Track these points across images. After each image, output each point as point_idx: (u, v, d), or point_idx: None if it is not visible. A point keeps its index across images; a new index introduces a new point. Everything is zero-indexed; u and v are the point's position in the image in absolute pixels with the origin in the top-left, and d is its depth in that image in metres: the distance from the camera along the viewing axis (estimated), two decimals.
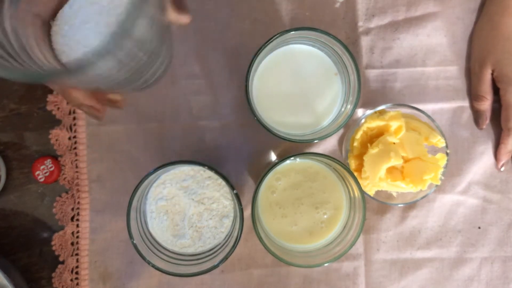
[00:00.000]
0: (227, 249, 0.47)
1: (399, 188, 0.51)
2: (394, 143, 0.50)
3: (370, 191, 0.51)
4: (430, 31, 0.56)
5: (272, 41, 0.47)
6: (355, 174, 0.49)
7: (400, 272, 0.56)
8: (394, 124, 0.50)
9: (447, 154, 0.52)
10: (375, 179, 0.50)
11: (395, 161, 0.49)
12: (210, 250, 0.51)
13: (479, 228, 0.56)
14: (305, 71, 0.52)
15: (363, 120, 0.51)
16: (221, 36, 0.55)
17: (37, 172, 0.54)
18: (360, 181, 0.49)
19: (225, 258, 0.47)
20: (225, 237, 0.51)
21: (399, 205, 0.55)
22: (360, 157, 0.51)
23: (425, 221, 0.56)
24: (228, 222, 0.51)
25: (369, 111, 0.53)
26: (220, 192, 0.51)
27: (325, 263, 0.47)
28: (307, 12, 0.55)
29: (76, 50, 0.35)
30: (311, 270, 0.55)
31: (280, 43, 0.51)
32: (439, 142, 0.51)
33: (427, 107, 0.55)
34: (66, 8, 0.36)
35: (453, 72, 0.56)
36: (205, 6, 0.55)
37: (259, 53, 0.47)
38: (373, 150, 0.49)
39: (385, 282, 0.55)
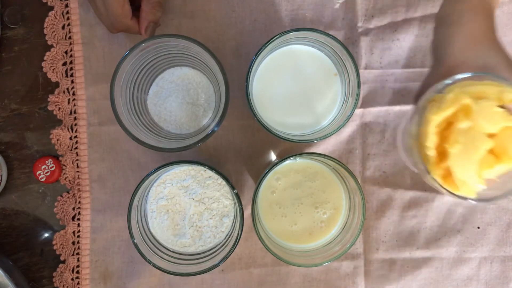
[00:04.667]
0: (227, 249, 0.47)
1: (498, 171, 0.41)
2: (471, 128, 0.39)
3: (472, 194, 0.40)
4: (429, 32, 0.56)
5: (272, 42, 0.47)
6: (448, 184, 0.40)
7: (399, 272, 0.56)
8: (460, 106, 0.40)
9: None
10: (475, 179, 0.39)
11: (486, 146, 0.39)
12: (211, 249, 0.52)
13: (478, 228, 0.56)
14: (305, 71, 0.52)
15: (423, 117, 0.40)
16: (221, 36, 0.55)
17: (38, 172, 0.54)
18: (458, 192, 0.40)
19: (225, 257, 0.47)
20: (225, 237, 0.51)
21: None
22: (442, 164, 0.40)
23: (424, 221, 0.56)
24: (228, 222, 0.52)
25: (420, 104, 0.41)
26: (220, 191, 0.51)
27: (325, 263, 0.47)
28: (307, 13, 0.56)
29: (164, 114, 0.53)
30: (311, 270, 0.56)
31: (280, 44, 0.51)
32: None
33: None
34: (153, 86, 0.53)
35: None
36: (205, 6, 0.55)
37: (259, 54, 0.47)
38: (454, 150, 0.39)
39: (385, 281, 0.56)
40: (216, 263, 0.47)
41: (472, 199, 0.40)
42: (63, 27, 0.55)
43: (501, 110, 0.39)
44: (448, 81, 0.40)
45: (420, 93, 0.44)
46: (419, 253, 0.56)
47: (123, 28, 0.50)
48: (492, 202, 0.42)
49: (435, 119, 0.39)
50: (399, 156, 0.55)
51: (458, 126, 0.39)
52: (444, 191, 0.40)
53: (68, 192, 0.56)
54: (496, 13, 0.55)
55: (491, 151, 0.40)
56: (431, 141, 0.40)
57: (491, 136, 0.39)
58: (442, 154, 0.40)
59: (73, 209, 0.55)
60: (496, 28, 0.45)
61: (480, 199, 0.41)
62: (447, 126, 0.40)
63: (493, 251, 0.56)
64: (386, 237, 0.56)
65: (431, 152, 0.40)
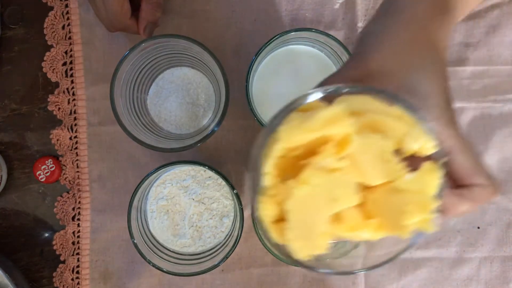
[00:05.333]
0: (227, 249, 0.47)
1: (363, 237, 0.29)
2: (339, 169, 0.27)
3: (305, 255, 0.28)
4: None
5: (272, 42, 0.47)
6: (277, 232, 0.28)
7: (399, 272, 0.56)
8: (335, 133, 0.26)
9: (441, 165, 0.28)
10: (313, 238, 0.27)
11: (345, 203, 0.27)
12: (210, 249, 0.52)
13: (478, 228, 0.56)
14: (305, 71, 0.52)
15: (274, 131, 0.27)
16: (221, 36, 0.55)
17: (38, 172, 0.54)
18: (286, 243, 0.27)
19: (225, 257, 0.47)
20: (225, 237, 0.51)
21: (362, 272, 0.33)
22: (277, 205, 0.27)
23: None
24: (228, 222, 0.52)
25: (282, 113, 0.27)
26: (220, 192, 0.51)
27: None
28: (307, 13, 0.56)
29: (164, 114, 0.53)
30: None
31: (280, 44, 0.51)
32: (426, 146, 0.27)
33: None
34: (153, 86, 0.53)
35: (452, 73, 0.56)
36: (205, 6, 0.55)
37: (259, 54, 0.47)
38: (300, 191, 0.26)
39: (384, 281, 0.56)
40: (216, 263, 0.47)
41: (303, 265, 0.28)
42: (63, 27, 0.55)
43: (396, 161, 0.27)
44: (345, 88, 0.27)
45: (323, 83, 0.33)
46: (419, 253, 0.56)
47: (122, 28, 0.50)
48: (339, 274, 0.30)
49: (286, 141, 0.26)
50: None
51: (319, 161, 0.26)
52: (268, 241, 0.28)
53: (68, 192, 0.56)
54: (496, 14, 0.56)
55: (363, 206, 0.28)
56: (271, 166, 0.27)
57: (365, 188, 0.28)
58: (284, 191, 0.27)
59: (73, 209, 0.55)
60: (448, 47, 0.34)
61: (313, 268, 0.29)
62: (308, 154, 0.27)
63: (493, 251, 0.56)
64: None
65: (266, 182, 0.27)
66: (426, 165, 0.27)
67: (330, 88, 0.27)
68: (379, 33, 0.33)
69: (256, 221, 0.28)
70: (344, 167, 0.27)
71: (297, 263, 0.28)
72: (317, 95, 0.27)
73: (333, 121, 0.26)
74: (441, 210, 0.28)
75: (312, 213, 0.27)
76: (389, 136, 0.27)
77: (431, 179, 0.27)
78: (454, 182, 0.30)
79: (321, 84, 0.32)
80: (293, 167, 0.27)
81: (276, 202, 0.27)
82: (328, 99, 0.27)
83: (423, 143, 0.27)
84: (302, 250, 0.27)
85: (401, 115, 0.27)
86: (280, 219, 0.27)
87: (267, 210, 0.27)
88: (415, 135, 0.27)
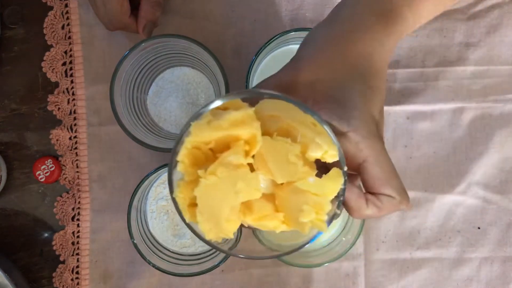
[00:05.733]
0: None
1: (269, 227, 0.32)
2: (246, 164, 0.30)
3: (214, 237, 0.31)
4: (430, 31, 0.56)
5: (272, 42, 0.47)
6: (190, 215, 0.31)
7: (399, 272, 0.56)
8: (243, 133, 0.30)
9: (344, 173, 0.30)
10: (219, 223, 0.30)
11: (247, 196, 0.30)
12: (210, 250, 0.51)
13: (479, 228, 0.56)
14: None
15: (189, 126, 0.30)
16: (221, 36, 0.55)
17: (38, 172, 0.54)
18: (198, 226, 0.31)
19: (225, 258, 0.47)
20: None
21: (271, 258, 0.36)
22: (190, 191, 0.31)
23: (425, 221, 0.56)
24: None
25: (203, 109, 0.30)
26: None
27: (325, 263, 0.47)
28: (307, 12, 0.56)
29: (164, 114, 0.53)
30: (311, 270, 0.56)
31: (280, 44, 0.51)
32: (328, 154, 0.30)
33: (426, 108, 0.56)
34: (153, 86, 0.53)
35: (453, 73, 0.56)
36: (205, 6, 0.55)
37: (259, 54, 0.47)
38: (207, 180, 0.29)
39: (385, 282, 0.55)
40: (216, 263, 0.47)
41: (213, 246, 0.32)
42: (62, 27, 0.55)
43: (299, 161, 0.30)
44: (266, 94, 0.30)
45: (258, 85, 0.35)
46: (420, 254, 0.56)
47: (121, 26, 0.49)
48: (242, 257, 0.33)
49: (196, 136, 0.29)
50: None
51: (227, 157, 0.29)
52: (183, 220, 0.31)
53: (67, 192, 0.55)
54: (497, 14, 0.56)
55: (274, 199, 0.32)
56: (183, 155, 0.30)
57: (276, 185, 0.31)
58: (194, 179, 0.30)
59: (73, 209, 0.55)
60: (388, 58, 0.34)
61: (222, 250, 0.34)
62: (223, 147, 0.30)
63: (494, 252, 0.56)
64: (386, 237, 0.56)
65: (180, 169, 0.30)
66: (332, 172, 0.30)
67: (252, 91, 0.31)
68: (317, 41, 0.34)
69: (173, 203, 0.31)
70: (249, 164, 0.30)
71: (208, 243, 0.31)
72: (235, 97, 0.30)
73: (240, 123, 0.29)
74: (349, 210, 0.32)
75: (218, 201, 0.30)
76: (298, 141, 0.30)
77: (332, 184, 0.30)
78: (367, 189, 0.33)
79: (256, 86, 0.35)
80: (209, 158, 0.30)
81: (190, 188, 0.30)
82: (254, 101, 0.30)
83: (326, 151, 0.30)
84: (210, 232, 0.30)
85: (313, 123, 0.30)
86: (195, 204, 0.30)
87: (182, 193, 0.30)
88: (319, 143, 0.30)
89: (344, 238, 0.49)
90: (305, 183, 0.30)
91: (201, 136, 0.29)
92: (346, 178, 0.30)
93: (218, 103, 0.30)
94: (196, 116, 0.30)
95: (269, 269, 0.55)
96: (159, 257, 0.49)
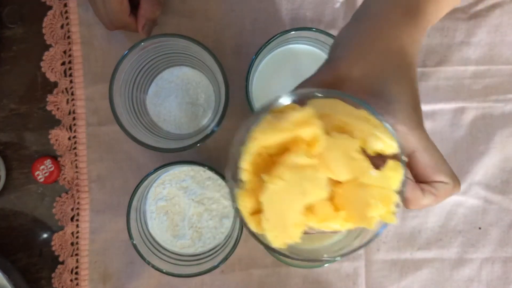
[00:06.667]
0: (227, 250, 0.47)
1: (333, 228, 0.31)
2: (309, 165, 0.29)
3: (280, 243, 0.30)
4: (430, 31, 0.56)
5: (272, 41, 0.47)
6: (254, 223, 0.30)
7: (400, 273, 0.55)
8: (305, 133, 0.29)
9: (403, 163, 0.30)
10: (286, 228, 0.30)
11: (315, 196, 0.30)
12: (210, 250, 0.51)
13: (480, 228, 0.56)
14: (305, 71, 0.51)
15: (251, 131, 0.29)
16: (221, 36, 0.55)
17: (37, 172, 0.54)
18: (262, 234, 0.30)
19: (225, 258, 0.47)
20: (225, 238, 0.51)
21: (333, 260, 0.34)
22: (254, 198, 0.30)
23: (425, 221, 0.56)
24: (228, 223, 0.51)
25: (259, 114, 0.30)
26: (220, 192, 0.51)
27: (325, 264, 0.47)
28: (307, 12, 0.55)
29: (164, 114, 0.52)
30: (311, 271, 0.55)
31: (280, 43, 0.51)
32: (387, 146, 0.30)
33: (427, 107, 0.55)
34: (153, 86, 0.53)
35: (454, 72, 0.56)
36: (205, 6, 0.55)
37: (259, 53, 0.47)
38: (274, 185, 0.29)
39: (385, 282, 0.55)
40: (216, 264, 0.47)
41: (279, 253, 0.31)
42: (62, 27, 0.55)
43: (361, 156, 0.30)
44: (315, 92, 0.31)
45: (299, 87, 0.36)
46: (420, 254, 0.55)
47: (121, 26, 0.49)
48: (314, 265, 0.33)
49: (261, 140, 0.29)
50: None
51: (291, 159, 0.29)
52: (248, 230, 0.31)
53: (67, 193, 0.55)
54: (497, 13, 0.56)
55: (333, 199, 0.31)
56: (247, 163, 0.29)
57: (334, 183, 0.30)
58: (260, 185, 0.30)
59: (72, 209, 0.55)
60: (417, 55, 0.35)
61: (293, 256, 0.32)
62: (281, 152, 0.30)
63: (495, 252, 0.56)
64: (387, 237, 0.55)
65: (244, 177, 0.30)
66: (390, 163, 0.30)
67: (302, 92, 0.31)
68: (351, 39, 0.35)
69: (236, 213, 0.31)
70: (314, 164, 0.29)
71: (273, 250, 0.31)
72: (288, 99, 0.30)
73: (303, 123, 0.29)
74: (406, 202, 0.32)
75: (285, 205, 0.29)
76: (355, 136, 0.30)
77: (394, 175, 0.30)
78: (419, 179, 0.33)
79: (297, 88, 0.35)
80: (268, 164, 0.30)
81: (253, 196, 0.30)
82: (301, 102, 0.30)
83: (385, 143, 0.30)
84: (277, 239, 0.30)
85: (367, 117, 0.30)
86: (258, 211, 0.30)
87: (245, 202, 0.30)
88: (378, 136, 0.29)
89: None
90: (368, 177, 0.30)
91: (264, 140, 0.29)
92: (405, 168, 0.30)
93: (275, 105, 0.30)
94: (255, 120, 0.29)
95: (269, 269, 0.55)
96: (159, 257, 0.49)
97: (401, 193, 0.30)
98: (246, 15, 0.55)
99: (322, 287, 0.55)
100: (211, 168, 0.47)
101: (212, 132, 0.45)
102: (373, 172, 0.30)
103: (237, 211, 0.30)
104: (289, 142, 0.30)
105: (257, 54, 0.47)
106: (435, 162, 0.33)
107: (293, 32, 0.47)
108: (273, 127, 0.29)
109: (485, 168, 0.56)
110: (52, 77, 0.55)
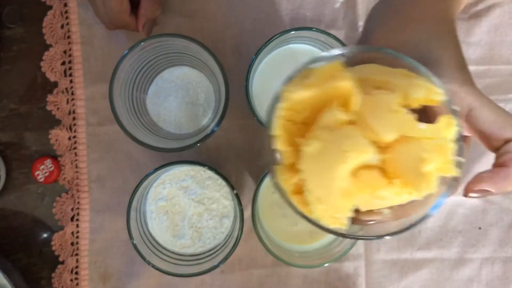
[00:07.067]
0: (227, 250, 0.47)
1: (388, 200, 0.27)
2: (348, 121, 0.26)
3: (329, 217, 0.27)
4: None
5: (272, 41, 0.47)
6: (301, 203, 0.27)
7: (400, 273, 0.55)
8: (336, 88, 0.26)
9: (453, 112, 0.27)
10: (333, 200, 0.26)
11: (359, 157, 0.25)
12: (210, 250, 0.51)
13: (480, 228, 0.56)
14: None
15: (279, 91, 0.27)
16: (221, 36, 0.55)
17: (37, 172, 0.54)
18: (308, 211, 0.27)
19: (225, 258, 0.47)
20: (225, 238, 0.51)
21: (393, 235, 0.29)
22: (294, 172, 0.27)
23: (426, 221, 0.56)
24: (228, 223, 0.51)
25: (289, 78, 0.28)
26: (220, 192, 0.51)
27: (325, 264, 0.47)
28: (307, 12, 0.55)
29: (164, 114, 0.52)
30: (311, 271, 0.55)
31: (280, 43, 0.51)
32: (432, 92, 0.26)
33: None
34: (153, 86, 0.53)
35: None
36: (205, 6, 0.55)
37: (259, 53, 0.47)
38: (310, 147, 0.26)
39: (385, 282, 0.55)
40: (216, 264, 0.46)
41: (335, 232, 0.27)
42: (62, 27, 0.55)
43: (406, 111, 0.26)
44: (351, 49, 0.28)
45: None
46: (420, 254, 0.55)
47: (121, 25, 0.49)
48: (376, 238, 0.29)
49: (291, 98, 0.26)
50: None
51: (325, 116, 0.25)
52: (295, 210, 0.27)
53: (67, 193, 0.55)
54: (498, 13, 0.56)
55: (382, 167, 0.27)
56: (280, 129, 0.26)
57: (380, 145, 0.26)
58: (294, 153, 0.27)
59: (72, 209, 0.55)
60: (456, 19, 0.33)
61: (352, 235, 0.28)
62: (314, 115, 0.27)
63: (495, 252, 0.56)
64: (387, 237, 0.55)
65: (278, 145, 0.26)
66: (440, 117, 0.26)
67: (335, 52, 0.27)
68: (387, 10, 0.33)
69: (277, 191, 0.27)
70: (353, 120, 0.26)
71: (327, 230, 0.27)
72: (323, 58, 0.27)
73: (330, 76, 0.26)
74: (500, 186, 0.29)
75: (326, 171, 0.25)
76: (394, 91, 0.26)
77: (447, 125, 0.26)
78: (488, 146, 0.30)
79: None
80: (302, 131, 0.27)
81: (291, 172, 0.27)
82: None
83: (430, 89, 0.26)
84: (325, 213, 0.26)
85: (408, 74, 0.27)
86: (301, 191, 0.27)
87: (285, 177, 0.27)
88: (419, 83, 0.26)
89: (344, 238, 0.49)
90: (417, 131, 0.26)
91: (293, 98, 0.26)
92: (459, 118, 0.27)
93: (308, 66, 0.27)
94: (286, 81, 0.27)
95: (269, 269, 0.55)
96: (159, 257, 0.49)
97: (459, 147, 0.26)
98: (246, 15, 0.55)
99: (322, 287, 0.55)
100: (211, 168, 0.47)
101: (212, 132, 0.45)
102: (422, 125, 0.26)
103: (278, 189, 0.27)
104: (322, 104, 0.26)
105: (257, 54, 0.47)
106: (498, 116, 0.29)
107: (293, 32, 0.47)
108: (300, 83, 0.26)
109: (486, 168, 0.55)
110: (52, 77, 0.55)
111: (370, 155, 0.26)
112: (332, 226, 0.26)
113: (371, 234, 0.29)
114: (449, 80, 0.29)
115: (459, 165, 0.26)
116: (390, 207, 0.28)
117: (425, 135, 0.26)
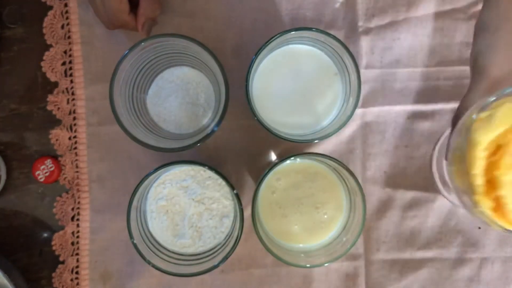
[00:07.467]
0: (227, 249, 0.47)
1: None
2: None
3: None
4: (431, 31, 0.56)
5: (272, 41, 0.47)
6: (500, 218, 0.35)
7: (400, 272, 0.56)
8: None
9: None
10: None
11: None
12: (210, 250, 0.51)
13: (479, 228, 0.56)
14: (305, 71, 0.52)
15: (463, 142, 0.35)
16: (221, 36, 0.55)
17: (37, 172, 0.54)
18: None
19: (225, 258, 0.47)
20: (225, 237, 0.51)
21: None
22: (492, 195, 0.35)
23: (425, 221, 0.56)
24: (228, 222, 0.51)
25: (462, 126, 0.36)
26: (220, 192, 0.51)
27: (325, 263, 0.47)
28: (307, 12, 0.55)
29: (164, 114, 0.52)
30: (311, 270, 0.55)
31: (280, 43, 0.51)
32: None
33: (428, 107, 0.55)
34: (153, 86, 0.52)
35: (454, 72, 0.56)
36: (205, 6, 0.55)
37: (259, 53, 0.47)
38: (508, 177, 0.33)
39: (385, 282, 0.55)
40: (216, 263, 0.47)
41: None
42: (62, 27, 0.55)
43: None
44: (492, 98, 0.34)
45: (459, 113, 0.40)
46: (420, 254, 0.56)
47: (121, 25, 0.49)
48: None
49: (483, 141, 0.33)
50: (437, 188, 0.53)
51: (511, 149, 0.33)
52: (496, 226, 0.35)
53: (67, 193, 0.55)
54: None
55: None
56: (479, 167, 0.34)
57: None
58: (491, 183, 0.34)
59: (72, 209, 0.55)
60: None
61: None
62: (495, 150, 0.34)
63: (494, 252, 0.56)
64: (386, 237, 0.56)
65: (479, 181, 0.34)
66: None
67: (491, 97, 0.34)
68: (497, 43, 0.39)
69: (479, 216, 0.35)
70: None
71: None
72: (483, 104, 0.34)
73: (508, 116, 0.33)
74: None
75: None
76: None
77: None
78: None
79: (458, 108, 0.40)
80: (490, 163, 0.34)
81: (489, 195, 0.34)
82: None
83: None
84: None
85: None
86: (497, 208, 0.34)
87: (486, 203, 0.34)
88: None
89: (344, 238, 0.49)
90: None
91: (484, 140, 0.33)
92: None
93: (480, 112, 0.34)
94: (469, 124, 0.34)
95: (269, 269, 0.55)
96: (159, 257, 0.49)
97: None
98: (246, 15, 0.55)
99: (321, 286, 0.55)
100: (211, 168, 0.47)
101: (212, 132, 0.45)
102: None
103: (481, 214, 0.34)
104: (500, 139, 0.34)
105: (257, 54, 0.47)
106: None
107: (293, 32, 0.47)
108: (487, 128, 0.33)
109: None
110: (52, 77, 0.55)
111: None
112: None
113: None
114: None
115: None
116: None
117: None
